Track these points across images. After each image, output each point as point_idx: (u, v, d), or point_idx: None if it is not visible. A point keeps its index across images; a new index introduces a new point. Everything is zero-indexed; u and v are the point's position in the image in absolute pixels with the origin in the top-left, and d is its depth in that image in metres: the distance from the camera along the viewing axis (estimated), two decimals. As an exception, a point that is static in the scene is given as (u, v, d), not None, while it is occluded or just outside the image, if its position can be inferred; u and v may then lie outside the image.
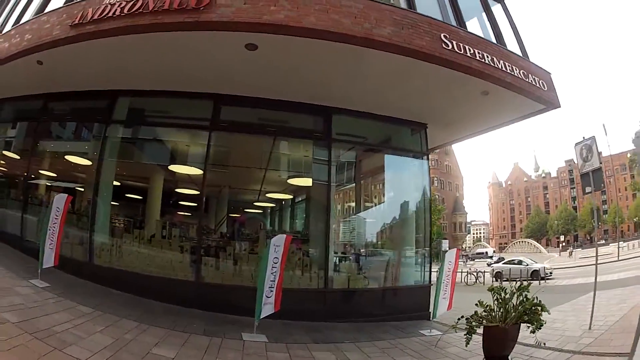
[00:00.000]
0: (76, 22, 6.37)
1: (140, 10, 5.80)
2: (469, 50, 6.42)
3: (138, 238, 7.16)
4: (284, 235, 5.80)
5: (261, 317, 5.43)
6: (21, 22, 7.97)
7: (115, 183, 7.82)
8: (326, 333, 6.14)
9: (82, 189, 8.60)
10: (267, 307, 5.49)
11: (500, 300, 4.87)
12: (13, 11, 9.30)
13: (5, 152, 10.14)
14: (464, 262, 33.52)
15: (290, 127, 7.73)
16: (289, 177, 8.03)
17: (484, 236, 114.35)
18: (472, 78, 6.49)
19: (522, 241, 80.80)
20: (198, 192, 7.35)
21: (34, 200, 8.69)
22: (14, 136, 9.98)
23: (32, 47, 6.96)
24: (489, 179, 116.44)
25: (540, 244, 73.33)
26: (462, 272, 19.13)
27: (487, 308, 4.92)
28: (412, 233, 8.29)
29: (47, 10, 7.44)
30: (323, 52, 5.79)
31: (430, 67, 6.17)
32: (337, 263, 7.04)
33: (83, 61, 6.98)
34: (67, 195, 6.31)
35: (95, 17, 6.19)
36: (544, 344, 5.07)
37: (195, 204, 7.35)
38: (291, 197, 8.34)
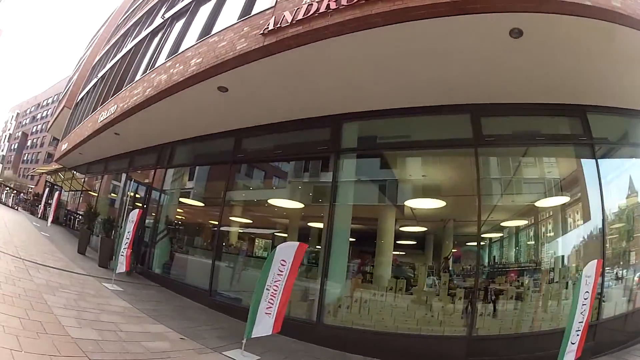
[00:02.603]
0: (271, 28, 5.32)
1: (373, -5, 4.66)
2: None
3: (394, 289, 5.38)
4: (595, 261, 4.22)
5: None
6: (178, 52, 7.05)
7: (351, 226, 6.25)
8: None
9: (285, 235, 7.20)
10: (570, 356, 3.88)
11: None
12: (161, 47, 8.58)
13: (184, 199, 9.13)
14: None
15: (546, 134, 5.97)
16: (538, 199, 6.17)
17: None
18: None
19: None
20: (425, 229, 5.80)
21: (229, 249, 7.22)
22: (204, 181, 8.85)
23: (205, 69, 5.93)
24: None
25: None
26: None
27: None
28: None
29: (213, 32, 6.51)
30: (576, 34, 4.32)
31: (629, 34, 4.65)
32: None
33: (287, 81, 5.83)
34: (298, 243, 4.67)
35: (299, 17, 5.13)
36: None
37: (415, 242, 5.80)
38: (524, 222, 6.43)
